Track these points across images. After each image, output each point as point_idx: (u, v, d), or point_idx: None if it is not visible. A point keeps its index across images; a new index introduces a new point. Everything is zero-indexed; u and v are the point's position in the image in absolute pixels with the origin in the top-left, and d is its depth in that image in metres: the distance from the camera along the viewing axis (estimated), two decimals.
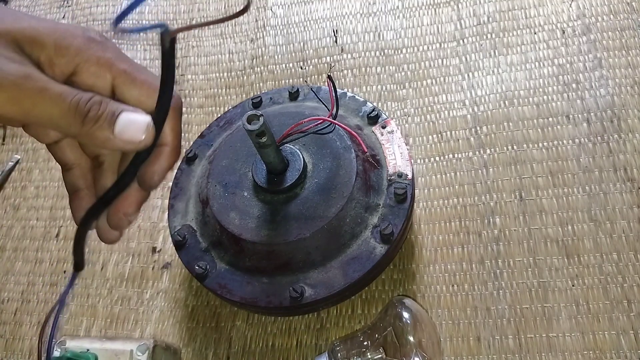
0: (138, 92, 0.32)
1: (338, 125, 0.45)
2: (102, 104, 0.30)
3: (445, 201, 0.53)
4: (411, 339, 0.42)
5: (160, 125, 0.31)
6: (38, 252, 0.60)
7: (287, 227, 0.45)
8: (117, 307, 0.54)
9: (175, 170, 0.54)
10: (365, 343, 0.43)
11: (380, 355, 0.42)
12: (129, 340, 0.45)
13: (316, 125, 0.45)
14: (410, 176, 0.48)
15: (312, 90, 0.52)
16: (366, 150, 0.46)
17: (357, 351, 0.43)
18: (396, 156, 0.49)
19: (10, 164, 0.67)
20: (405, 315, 0.43)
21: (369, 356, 0.42)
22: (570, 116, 0.55)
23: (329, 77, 0.44)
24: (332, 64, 0.64)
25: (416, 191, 0.52)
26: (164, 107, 0.31)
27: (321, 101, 0.49)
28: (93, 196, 0.35)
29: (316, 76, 0.65)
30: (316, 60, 0.66)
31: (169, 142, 0.33)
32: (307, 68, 0.65)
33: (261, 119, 0.40)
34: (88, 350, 0.44)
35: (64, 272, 0.58)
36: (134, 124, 0.30)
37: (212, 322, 0.52)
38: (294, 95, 0.55)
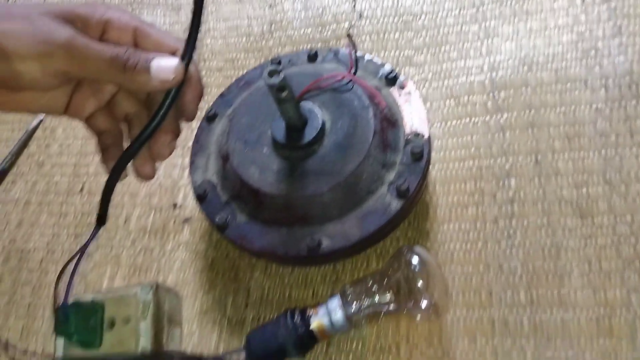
0: (153, 44, 0.38)
1: (357, 81, 0.45)
2: (136, 53, 0.36)
3: (461, 163, 0.54)
4: (420, 284, 0.43)
5: (189, 60, 0.36)
6: (62, 205, 0.62)
7: (305, 182, 0.46)
8: (140, 257, 0.56)
9: (196, 129, 0.56)
10: (374, 287, 0.44)
11: (389, 299, 0.44)
12: (130, 286, 0.48)
13: (336, 82, 0.46)
14: (426, 136, 0.48)
15: (331, 50, 0.53)
16: (385, 105, 0.47)
17: (366, 293, 0.44)
18: (413, 116, 0.50)
19: (35, 122, 0.69)
20: (415, 261, 0.44)
21: (378, 298, 0.44)
22: (588, 82, 0.55)
23: (349, 35, 0.45)
24: (352, 24, 0.65)
25: (432, 154, 0.53)
26: (193, 43, 0.36)
27: (340, 61, 0.50)
28: (121, 151, 0.40)
29: (334, 41, 0.65)
30: (334, 25, 0.66)
31: (193, 73, 0.39)
32: (325, 34, 0.66)
33: (281, 73, 0.42)
34: (92, 299, 0.47)
35: (88, 224, 0.60)
36: (165, 65, 0.36)
37: (231, 273, 0.53)
38: (312, 58, 0.56)
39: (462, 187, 0.53)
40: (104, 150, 0.41)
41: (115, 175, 0.39)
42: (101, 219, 0.41)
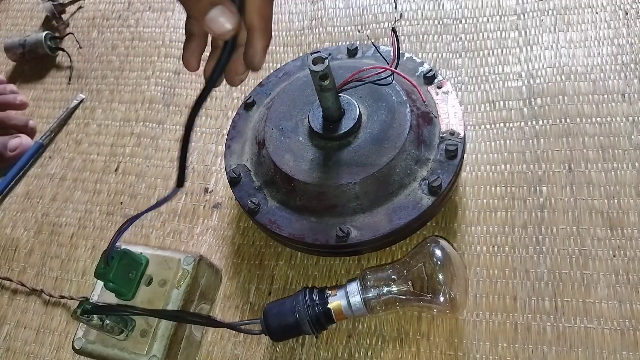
0: None
1: (398, 74, 0.46)
2: None
3: (493, 167, 0.54)
4: (441, 277, 0.43)
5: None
6: (97, 184, 0.63)
7: (339, 172, 0.47)
8: (168, 238, 0.57)
9: (234, 115, 0.57)
10: (395, 275, 0.44)
11: (407, 288, 0.44)
12: (179, 252, 0.49)
13: (376, 74, 0.46)
14: (462, 135, 0.49)
15: (373, 44, 0.54)
16: (425, 99, 0.47)
17: (386, 281, 0.44)
18: (450, 115, 0.50)
19: (75, 102, 0.71)
20: (438, 254, 0.43)
21: (397, 287, 0.44)
22: (626, 95, 0.55)
23: (393, 29, 0.46)
24: (397, 18, 0.66)
25: (465, 155, 0.53)
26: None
27: (381, 55, 0.50)
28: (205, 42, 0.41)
29: (373, 40, 0.66)
30: (374, 25, 0.67)
31: (256, 25, 0.37)
32: (365, 32, 0.67)
33: (326, 61, 0.42)
34: (141, 253, 0.48)
35: (121, 203, 0.61)
36: (221, 16, 0.35)
37: (257, 260, 0.54)
38: (352, 52, 0.57)
39: (493, 190, 0.53)
40: (189, 37, 0.41)
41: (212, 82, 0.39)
42: (180, 181, 0.41)
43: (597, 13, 0.61)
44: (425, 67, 0.53)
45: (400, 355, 0.47)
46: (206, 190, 0.59)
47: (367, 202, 0.47)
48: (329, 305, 0.44)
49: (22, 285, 0.58)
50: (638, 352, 0.44)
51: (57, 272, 0.59)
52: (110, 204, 0.61)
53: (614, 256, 0.48)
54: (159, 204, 0.42)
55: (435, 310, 0.44)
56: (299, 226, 0.47)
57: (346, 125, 0.48)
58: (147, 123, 0.67)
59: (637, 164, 0.51)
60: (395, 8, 0.67)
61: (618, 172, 0.51)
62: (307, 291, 0.44)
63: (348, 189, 0.46)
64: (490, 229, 0.51)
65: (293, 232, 0.47)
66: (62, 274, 0.58)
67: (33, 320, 0.57)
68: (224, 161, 0.54)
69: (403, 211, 0.46)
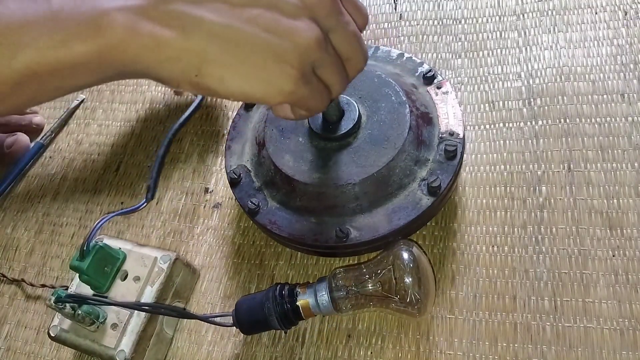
0: None
1: (399, 74, 0.46)
2: None
3: (492, 167, 0.54)
4: (408, 280, 0.43)
5: None
6: (97, 183, 0.63)
7: (338, 172, 0.47)
8: (169, 238, 0.57)
9: (234, 116, 0.57)
10: (365, 276, 0.45)
11: (375, 289, 0.44)
12: (157, 250, 0.50)
13: None
14: (461, 135, 0.49)
15: (370, 47, 0.54)
16: (424, 100, 0.47)
17: (355, 281, 0.44)
18: (449, 116, 0.50)
19: (76, 102, 0.71)
20: (407, 257, 0.44)
21: (366, 287, 0.44)
22: (626, 95, 0.55)
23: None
24: (396, 19, 0.66)
25: (464, 156, 0.53)
26: None
27: (379, 58, 0.50)
28: None
29: (372, 41, 0.66)
30: (374, 25, 0.67)
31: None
32: (364, 33, 0.67)
33: None
34: (120, 248, 0.49)
35: (122, 203, 0.61)
36: None
37: (257, 259, 0.54)
38: None
39: (492, 190, 0.53)
40: None
41: None
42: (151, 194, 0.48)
43: (596, 13, 0.61)
44: (425, 67, 0.53)
45: (400, 355, 0.47)
46: (206, 190, 0.60)
47: (367, 202, 0.47)
48: (297, 303, 0.45)
49: (3, 276, 0.59)
50: (637, 351, 0.44)
51: (58, 272, 0.59)
52: (111, 204, 0.62)
53: (614, 256, 0.48)
54: (131, 210, 0.50)
55: (401, 312, 0.45)
56: (299, 227, 0.47)
57: (346, 125, 0.48)
58: (148, 123, 0.67)
59: (636, 164, 0.51)
60: (395, 9, 0.67)
61: (617, 172, 0.51)
62: (278, 287, 0.45)
63: (347, 189, 0.46)
64: (490, 228, 0.51)
65: (293, 233, 0.47)
66: (63, 273, 0.59)
67: (34, 320, 0.57)
68: (224, 161, 0.54)
69: (402, 212, 0.46)
